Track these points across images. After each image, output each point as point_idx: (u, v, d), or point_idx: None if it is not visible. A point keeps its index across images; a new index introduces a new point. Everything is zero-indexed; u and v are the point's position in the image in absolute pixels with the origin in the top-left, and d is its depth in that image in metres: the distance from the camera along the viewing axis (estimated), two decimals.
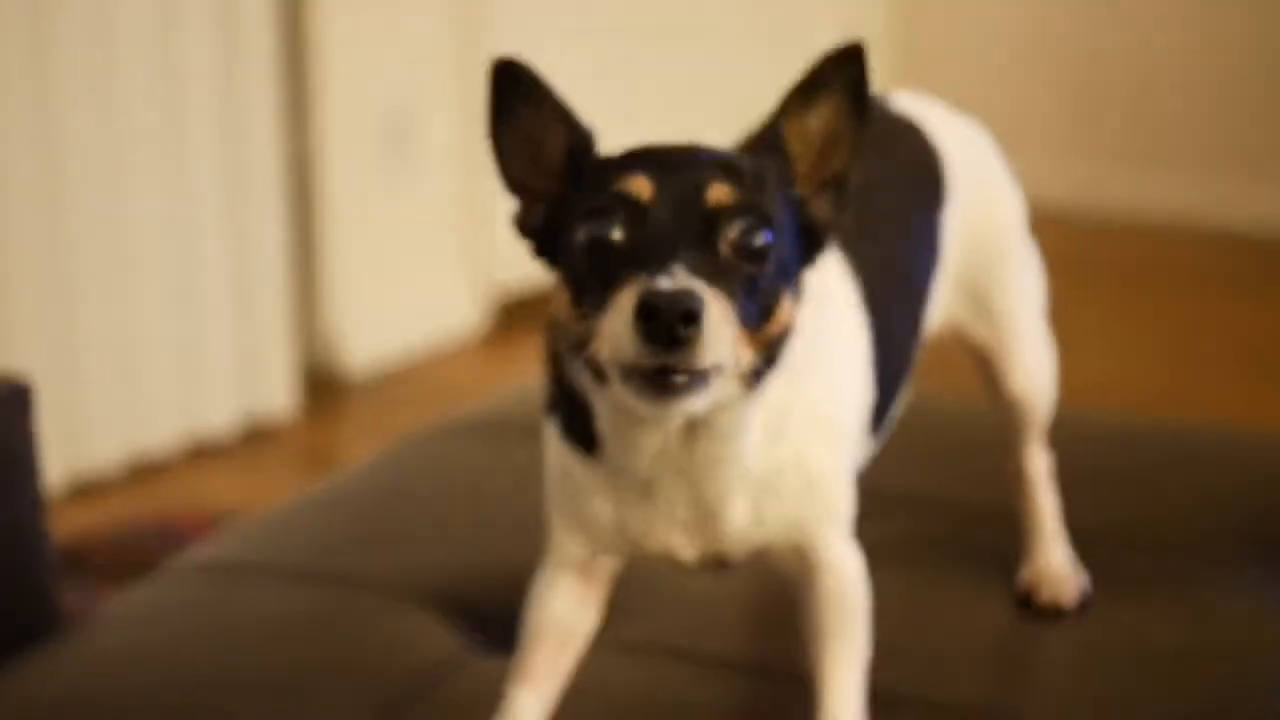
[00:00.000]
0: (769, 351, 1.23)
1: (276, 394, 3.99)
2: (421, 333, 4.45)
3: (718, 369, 1.17)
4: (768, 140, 1.27)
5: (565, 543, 1.38)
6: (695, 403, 1.17)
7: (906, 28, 5.97)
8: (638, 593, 1.70)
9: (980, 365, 1.67)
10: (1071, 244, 5.11)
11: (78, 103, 3.52)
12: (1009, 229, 1.65)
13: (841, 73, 1.26)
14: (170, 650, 1.64)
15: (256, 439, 3.94)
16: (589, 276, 1.20)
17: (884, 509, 1.83)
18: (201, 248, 3.81)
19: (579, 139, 1.29)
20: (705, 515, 1.32)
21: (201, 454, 3.85)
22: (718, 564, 1.37)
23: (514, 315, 4.61)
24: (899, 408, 1.53)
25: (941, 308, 1.59)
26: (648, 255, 1.17)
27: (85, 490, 3.61)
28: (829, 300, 1.36)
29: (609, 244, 1.20)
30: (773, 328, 1.22)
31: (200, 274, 3.82)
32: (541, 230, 1.29)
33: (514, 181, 1.31)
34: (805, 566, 1.37)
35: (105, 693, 1.57)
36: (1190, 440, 2.11)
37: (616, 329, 1.15)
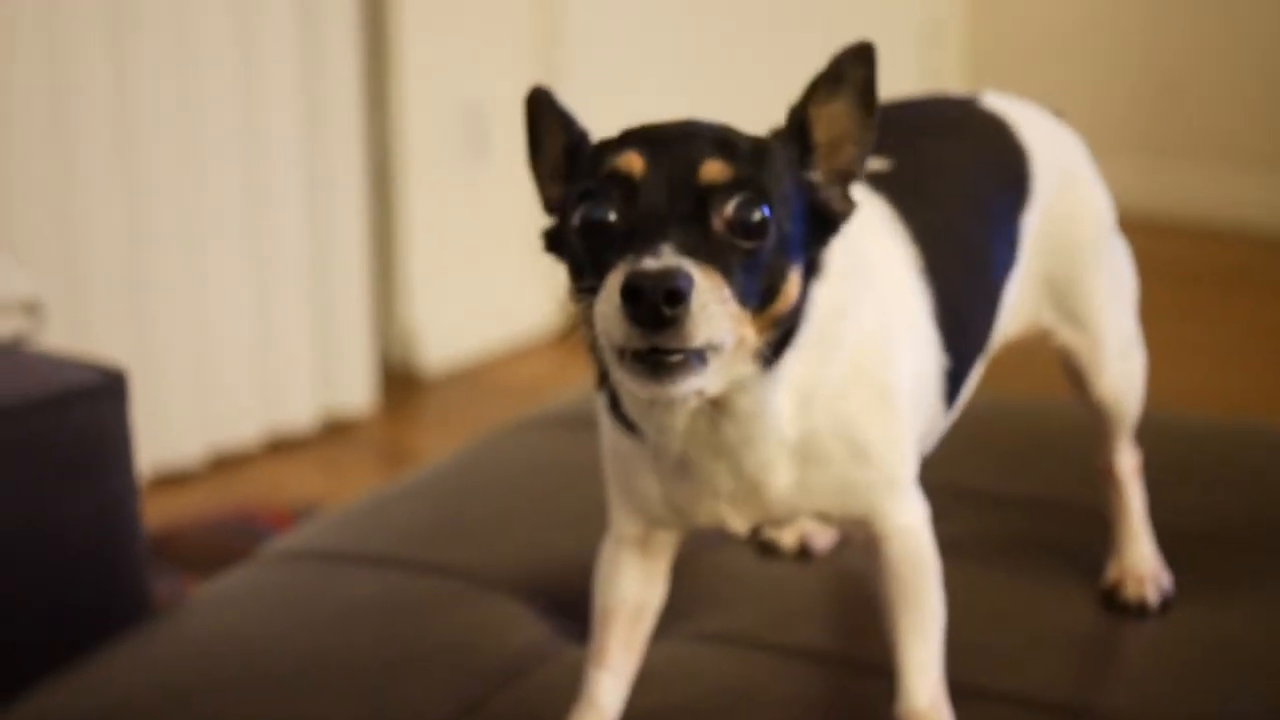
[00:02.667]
0: (779, 330, 1.22)
1: (354, 389, 4.03)
2: (498, 330, 4.48)
3: (714, 348, 1.15)
4: (793, 124, 1.26)
5: (622, 518, 1.40)
6: (694, 383, 1.16)
7: (979, 24, 5.95)
8: (720, 584, 1.72)
9: (1069, 367, 1.66)
10: (1164, 247, 5.09)
11: (159, 100, 3.57)
12: (1096, 232, 1.64)
13: (854, 72, 1.25)
14: (262, 634, 1.67)
15: (334, 433, 3.99)
16: (586, 259, 1.20)
17: (960, 507, 1.84)
18: (281, 244, 3.85)
19: (573, 136, 1.29)
20: (749, 486, 1.32)
21: (281, 448, 3.89)
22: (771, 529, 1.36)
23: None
24: (973, 381, 1.52)
25: (1025, 308, 1.59)
26: (638, 235, 1.15)
27: (167, 483, 3.66)
28: (869, 268, 1.34)
29: (603, 225, 1.19)
30: (780, 306, 1.20)
31: (280, 271, 3.86)
32: (556, 232, 1.29)
33: (547, 201, 1.32)
34: (869, 535, 1.37)
35: (199, 675, 1.60)
36: (1259, 438, 2.10)
37: (606, 312, 1.14)
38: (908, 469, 1.37)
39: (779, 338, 1.23)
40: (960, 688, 1.48)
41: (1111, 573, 1.69)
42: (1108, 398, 1.66)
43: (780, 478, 1.31)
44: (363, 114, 4.02)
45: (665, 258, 1.12)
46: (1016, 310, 1.58)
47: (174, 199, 3.64)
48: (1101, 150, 1.72)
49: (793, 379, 1.27)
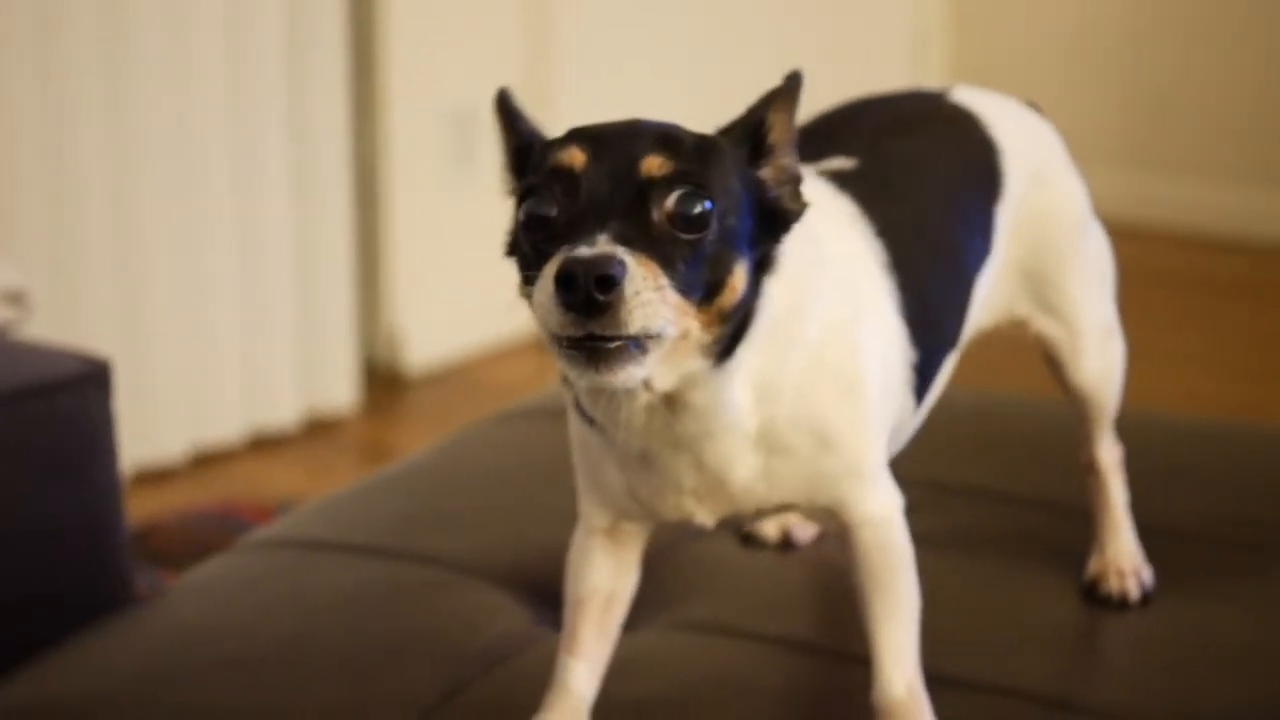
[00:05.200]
0: (728, 325, 1.23)
1: (338, 388, 4.03)
2: (481, 331, 4.48)
3: (652, 337, 1.15)
4: (748, 122, 1.28)
5: (590, 509, 1.40)
6: (633, 372, 1.16)
7: (964, 37, 5.98)
8: (701, 574, 1.73)
9: (1047, 357, 1.67)
10: (1157, 257, 5.12)
11: (149, 102, 3.57)
12: (1072, 222, 1.64)
13: (793, 93, 1.29)
14: (241, 621, 1.67)
15: (318, 432, 3.99)
16: (530, 253, 1.21)
17: (949, 502, 1.86)
18: (267, 244, 3.86)
19: (523, 135, 1.30)
20: (713, 480, 1.32)
21: (264, 446, 3.89)
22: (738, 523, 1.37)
23: None
24: (941, 381, 1.53)
25: (1000, 299, 1.59)
26: (578, 226, 1.17)
27: (149, 479, 3.66)
28: (829, 263, 1.35)
29: (545, 219, 1.20)
30: (725, 299, 1.21)
31: (266, 270, 3.87)
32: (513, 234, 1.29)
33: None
34: (840, 524, 1.37)
35: (178, 661, 1.60)
36: (1263, 440, 2.11)
37: (542, 300, 1.15)
38: (875, 457, 1.36)
39: (730, 332, 1.23)
40: (947, 679, 1.49)
41: (1093, 566, 1.70)
42: (1087, 387, 1.67)
43: (743, 470, 1.31)
44: (349, 117, 4.03)
45: (599, 246, 1.14)
46: (991, 301, 1.58)
47: (163, 198, 3.64)
48: (1091, 161, 1.73)
49: (749, 372, 1.27)
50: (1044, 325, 1.64)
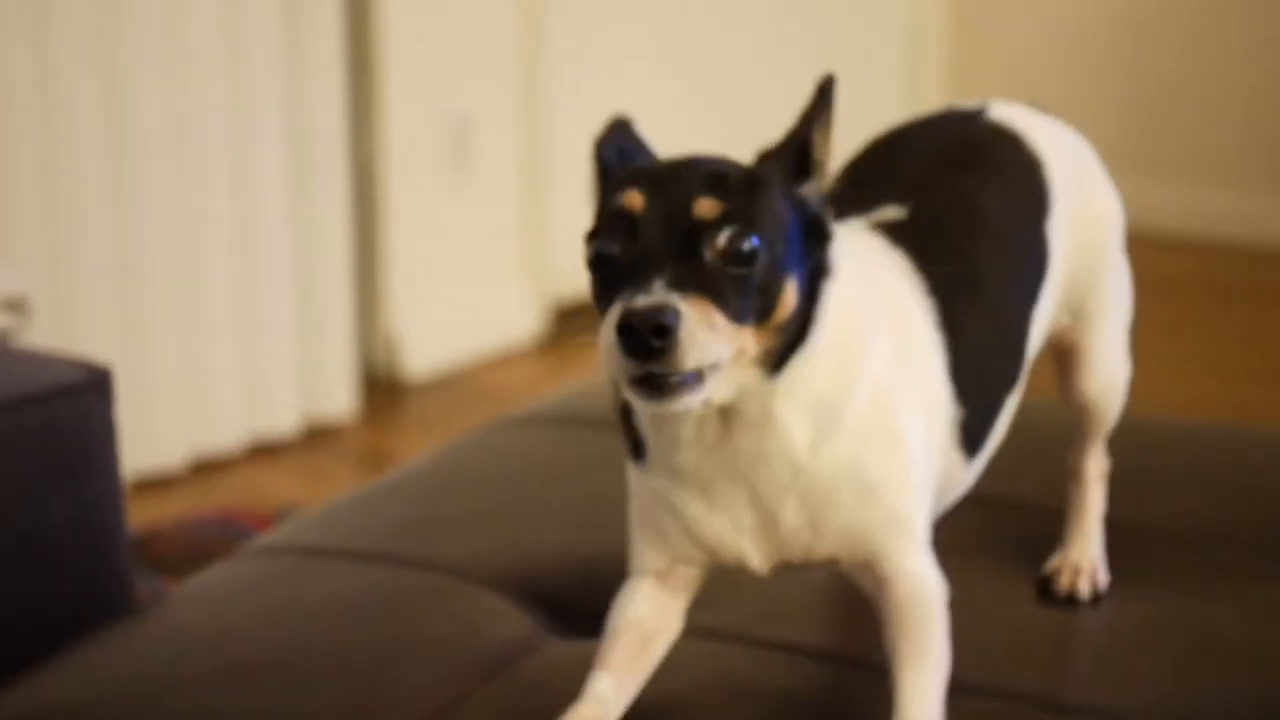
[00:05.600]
0: (785, 335, 1.30)
1: (337, 396, 4.04)
2: (480, 338, 4.49)
3: (708, 367, 1.24)
4: (793, 143, 1.35)
5: (643, 552, 1.43)
6: (694, 399, 1.25)
7: (961, 38, 5.98)
8: (713, 581, 1.72)
9: (1061, 364, 1.68)
10: (1156, 262, 5.10)
11: (146, 106, 3.58)
12: (1110, 234, 1.66)
13: (830, 103, 1.34)
14: (243, 627, 1.67)
15: (317, 439, 3.99)
16: (598, 291, 1.30)
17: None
18: (266, 252, 3.86)
19: (602, 169, 1.37)
20: (766, 517, 1.36)
21: (263, 453, 3.89)
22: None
23: (571, 322, 4.64)
24: (1000, 428, 1.54)
25: (1053, 315, 1.61)
26: (636, 269, 1.25)
27: (149, 487, 3.66)
28: (882, 316, 1.40)
29: (609, 259, 1.29)
30: (778, 316, 1.29)
31: (264, 278, 3.87)
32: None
33: None
34: (876, 580, 1.39)
35: (179, 667, 1.60)
36: (1256, 443, 2.11)
37: (605, 345, 1.24)
38: (916, 515, 1.40)
39: (787, 342, 1.31)
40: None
41: (1052, 562, 1.71)
42: (1093, 397, 1.68)
43: (791, 510, 1.36)
44: (347, 122, 4.03)
45: (655, 294, 1.23)
46: (1048, 322, 1.60)
47: (161, 205, 3.65)
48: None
49: (808, 393, 1.34)
50: (1075, 333, 1.66)
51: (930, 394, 1.43)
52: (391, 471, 2.15)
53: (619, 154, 1.37)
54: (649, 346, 1.21)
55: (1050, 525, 1.77)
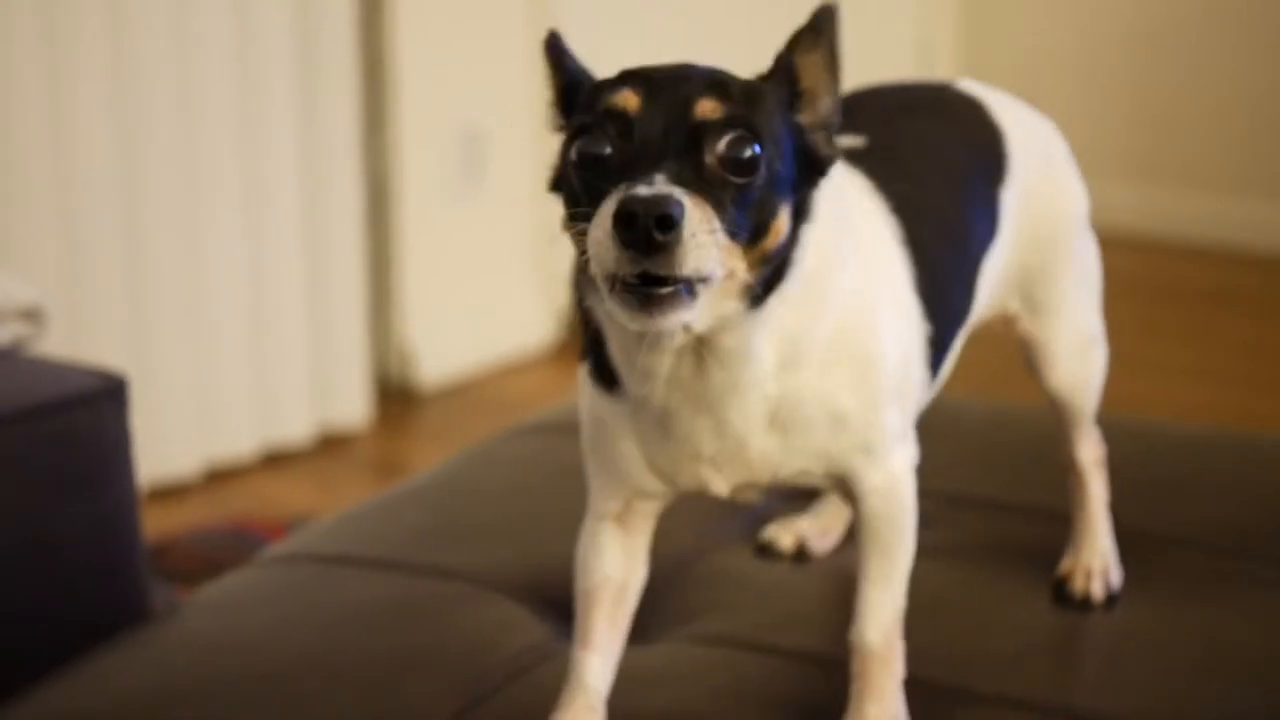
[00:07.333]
0: (767, 267, 1.25)
1: (350, 405, 4.04)
2: (492, 347, 4.49)
3: (703, 279, 1.17)
4: (780, 69, 1.30)
5: (601, 493, 1.41)
6: (683, 315, 1.18)
7: (972, 49, 5.99)
8: (718, 586, 1.73)
9: (1027, 357, 1.68)
10: (1159, 268, 5.11)
11: (158, 120, 3.59)
12: (1069, 219, 1.65)
13: (827, 29, 1.29)
14: (259, 635, 1.67)
15: (330, 448, 4.00)
16: (582, 191, 1.22)
17: (954, 516, 1.86)
18: (279, 262, 3.87)
19: (570, 74, 1.32)
20: (733, 446, 1.34)
21: (276, 462, 3.90)
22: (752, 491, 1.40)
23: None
24: (953, 353, 1.54)
25: (999, 291, 1.61)
26: (633, 166, 1.19)
27: (162, 496, 3.66)
28: (853, 233, 1.37)
29: (599, 158, 1.22)
30: (769, 242, 1.24)
31: (278, 288, 3.88)
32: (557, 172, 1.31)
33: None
34: (848, 491, 1.41)
35: (195, 676, 1.60)
36: (1271, 450, 2.11)
37: (598, 237, 1.16)
38: (888, 431, 1.39)
39: (768, 276, 1.25)
40: (952, 691, 1.50)
41: (1064, 564, 1.71)
42: (1061, 389, 1.68)
43: (760, 438, 1.34)
44: (361, 137, 4.05)
45: (659, 186, 1.16)
46: (994, 288, 1.59)
47: (173, 215, 3.65)
48: (1097, 174, 1.74)
49: (779, 327, 1.30)
50: (1029, 324, 1.66)
51: (903, 306, 1.42)
52: (405, 480, 2.16)
53: (569, 59, 1.32)
54: (650, 240, 1.14)
55: (1062, 530, 1.78)
